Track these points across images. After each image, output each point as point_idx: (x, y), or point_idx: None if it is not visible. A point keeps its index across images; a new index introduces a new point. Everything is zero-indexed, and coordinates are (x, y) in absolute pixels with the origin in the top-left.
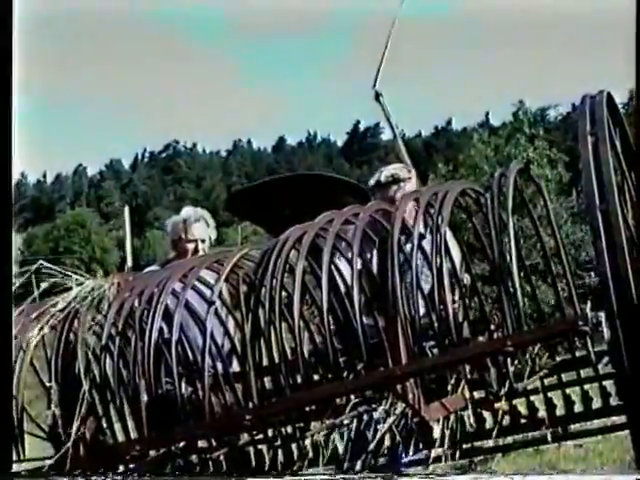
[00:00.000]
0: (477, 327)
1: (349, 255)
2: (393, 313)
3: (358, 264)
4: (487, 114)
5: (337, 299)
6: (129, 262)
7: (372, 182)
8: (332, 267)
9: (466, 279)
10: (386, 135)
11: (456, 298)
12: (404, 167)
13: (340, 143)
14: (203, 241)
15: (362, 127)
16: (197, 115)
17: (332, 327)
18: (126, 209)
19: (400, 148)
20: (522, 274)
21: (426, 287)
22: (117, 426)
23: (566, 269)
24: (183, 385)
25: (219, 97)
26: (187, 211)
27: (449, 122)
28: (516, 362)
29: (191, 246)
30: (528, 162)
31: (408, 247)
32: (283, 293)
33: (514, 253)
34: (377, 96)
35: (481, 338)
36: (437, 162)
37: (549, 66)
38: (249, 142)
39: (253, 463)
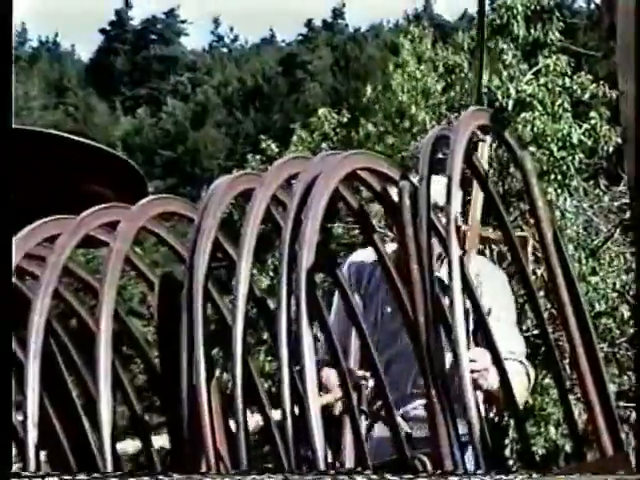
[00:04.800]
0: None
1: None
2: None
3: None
4: None
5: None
6: None
7: None
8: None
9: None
10: (192, 40)
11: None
12: None
13: (85, 58)
14: None
15: (137, 21)
16: None
17: None
18: None
19: None
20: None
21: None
22: None
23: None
24: None
25: None
26: None
27: (338, 12)
28: None
29: None
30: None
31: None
32: None
33: (459, 310)
34: None
35: None
36: (312, 104)
37: None
38: None
39: None
